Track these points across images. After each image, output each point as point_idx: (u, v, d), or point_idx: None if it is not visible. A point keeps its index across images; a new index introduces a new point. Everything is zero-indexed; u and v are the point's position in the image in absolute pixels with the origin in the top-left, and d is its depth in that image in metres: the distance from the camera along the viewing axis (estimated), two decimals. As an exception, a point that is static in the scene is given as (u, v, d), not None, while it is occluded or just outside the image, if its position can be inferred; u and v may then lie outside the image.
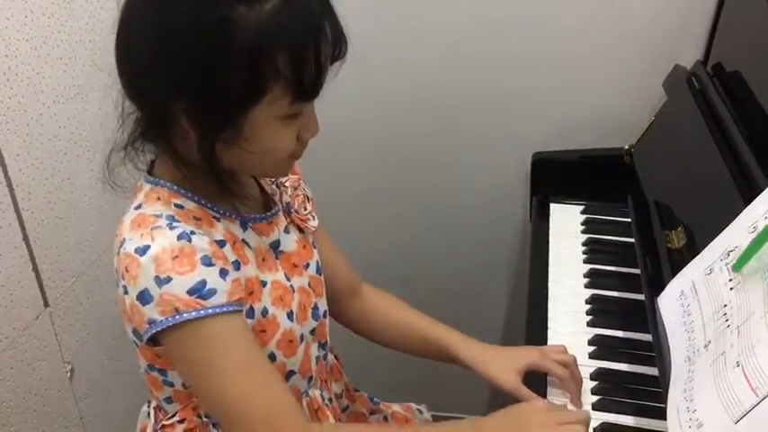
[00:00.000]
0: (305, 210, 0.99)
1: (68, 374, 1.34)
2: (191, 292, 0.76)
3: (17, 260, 1.19)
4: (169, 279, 0.76)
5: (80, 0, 1.27)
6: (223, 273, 0.79)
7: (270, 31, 0.72)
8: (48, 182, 1.24)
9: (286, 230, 0.95)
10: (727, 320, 0.77)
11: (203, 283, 0.77)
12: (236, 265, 0.84)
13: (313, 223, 0.99)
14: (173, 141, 0.80)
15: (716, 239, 0.88)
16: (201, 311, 0.77)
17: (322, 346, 1.00)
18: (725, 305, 0.78)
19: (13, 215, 1.17)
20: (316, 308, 0.97)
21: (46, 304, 1.26)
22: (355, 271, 1.13)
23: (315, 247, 1.00)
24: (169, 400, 0.91)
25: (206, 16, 0.70)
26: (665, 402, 0.82)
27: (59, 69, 1.24)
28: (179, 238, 0.77)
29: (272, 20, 0.72)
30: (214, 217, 0.85)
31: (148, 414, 0.97)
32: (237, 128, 0.75)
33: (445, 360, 1.06)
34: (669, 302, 0.90)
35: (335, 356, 1.10)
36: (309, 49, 0.74)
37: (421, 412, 1.21)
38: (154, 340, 0.80)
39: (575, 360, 1.00)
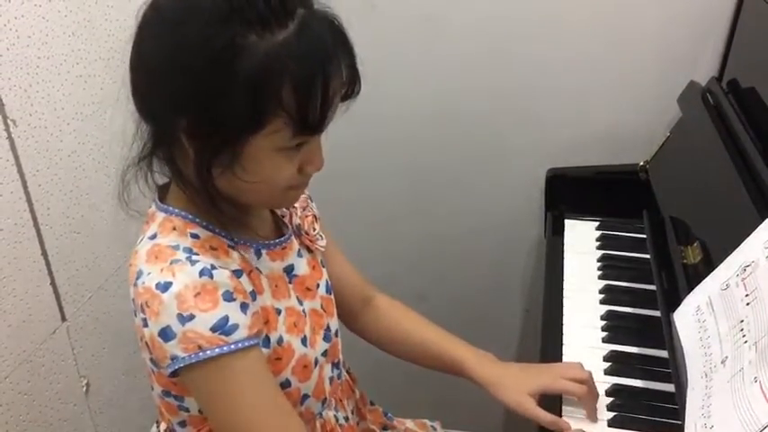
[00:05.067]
0: (314, 230, 0.98)
1: (84, 389, 1.35)
2: (214, 328, 0.76)
3: (35, 274, 1.20)
4: (192, 317, 0.76)
5: (99, 19, 1.29)
6: (244, 307, 0.79)
7: (277, 62, 0.71)
8: (66, 197, 1.25)
9: (299, 254, 0.95)
10: (744, 336, 0.76)
11: (226, 319, 0.77)
12: (253, 296, 0.84)
13: (321, 243, 0.99)
14: (177, 161, 0.80)
15: (732, 255, 0.87)
16: (225, 348, 0.77)
17: (336, 365, 1.00)
18: (741, 320, 0.78)
19: (32, 230, 1.18)
20: (327, 329, 0.97)
21: (63, 318, 1.27)
22: (367, 281, 1.13)
23: (323, 266, 1.00)
24: (183, 424, 0.91)
25: (215, 37, 0.70)
26: (681, 419, 0.81)
27: (79, 87, 1.26)
28: (201, 274, 0.77)
29: (281, 51, 0.71)
30: (229, 246, 0.85)
31: None
32: (235, 154, 0.75)
33: (458, 375, 1.06)
34: (685, 318, 0.90)
35: (348, 371, 1.10)
36: (316, 84, 0.73)
37: (435, 429, 1.21)
38: (174, 373, 0.80)
39: (591, 376, 0.99)
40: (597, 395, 0.99)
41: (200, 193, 0.79)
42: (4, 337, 1.14)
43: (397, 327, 1.12)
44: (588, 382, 0.98)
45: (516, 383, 0.99)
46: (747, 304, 0.78)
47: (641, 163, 1.42)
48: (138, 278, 0.79)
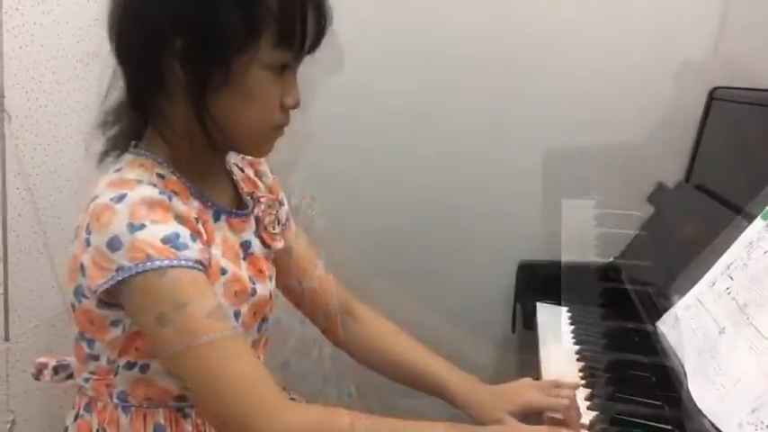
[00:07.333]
0: (273, 229, 0.98)
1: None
2: (164, 240, 0.75)
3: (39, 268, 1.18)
4: (143, 226, 0.74)
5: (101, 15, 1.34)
6: (194, 236, 0.78)
7: None
8: (69, 188, 1.25)
9: (255, 234, 0.94)
10: (733, 299, 0.79)
11: (177, 235, 0.76)
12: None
13: (278, 244, 0.98)
14: (161, 105, 0.82)
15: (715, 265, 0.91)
16: (174, 261, 0.74)
17: None
18: (727, 288, 0.81)
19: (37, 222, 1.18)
20: (264, 320, 0.94)
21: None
22: (347, 290, 1.11)
23: (273, 267, 0.99)
24: (88, 380, 0.87)
25: None
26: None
27: (81, 81, 1.27)
28: (159, 194, 0.77)
29: None
30: (192, 194, 0.85)
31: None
32: (228, 73, 0.77)
33: (439, 398, 1.03)
34: (670, 321, 0.92)
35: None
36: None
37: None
38: (108, 294, 0.77)
39: (573, 385, 1.01)
40: (578, 407, 0.97)
41: (188, 145, 0.82)
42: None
43: (380, 345, 1.09)
44: (568, 394, 0.98)
45: (497, 404, 0.98)
46: (731, 278, 0.81)
47: (611, 259, 1.46)
48: (91, 201, 0.77)
